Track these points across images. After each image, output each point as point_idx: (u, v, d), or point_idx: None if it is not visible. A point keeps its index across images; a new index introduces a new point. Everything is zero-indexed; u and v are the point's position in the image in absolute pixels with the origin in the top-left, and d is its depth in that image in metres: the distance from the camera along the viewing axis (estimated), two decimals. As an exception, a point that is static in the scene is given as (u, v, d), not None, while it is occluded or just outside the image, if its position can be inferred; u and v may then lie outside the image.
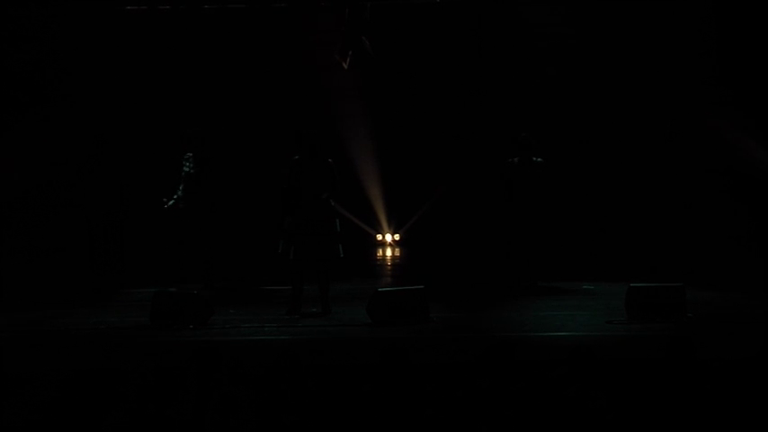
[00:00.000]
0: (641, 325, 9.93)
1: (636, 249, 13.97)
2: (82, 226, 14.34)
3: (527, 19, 14.71)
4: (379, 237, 16.05)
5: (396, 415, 6.69)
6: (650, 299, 10.18)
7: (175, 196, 12.72)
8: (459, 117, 15.09)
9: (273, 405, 6.75)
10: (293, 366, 6.93)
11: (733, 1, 14.11)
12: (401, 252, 15.93)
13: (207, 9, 14.69)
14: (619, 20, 14.39)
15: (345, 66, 13.53)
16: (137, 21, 14.56)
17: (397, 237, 16.07)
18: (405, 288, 10.71)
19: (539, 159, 12.37)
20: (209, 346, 7.10)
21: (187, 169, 12.78)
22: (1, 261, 13.44)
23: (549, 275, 12.69)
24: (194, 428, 6.61)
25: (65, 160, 14.02)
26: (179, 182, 12.78)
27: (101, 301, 12.26)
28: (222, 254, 13.12)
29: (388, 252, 15.99)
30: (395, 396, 6.80)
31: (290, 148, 11.19)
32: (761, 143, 13.91)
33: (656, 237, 14.18)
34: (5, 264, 13.38)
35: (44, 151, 13.74)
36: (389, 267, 15.18)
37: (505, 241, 12.67)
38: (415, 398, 6.81)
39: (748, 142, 13.91)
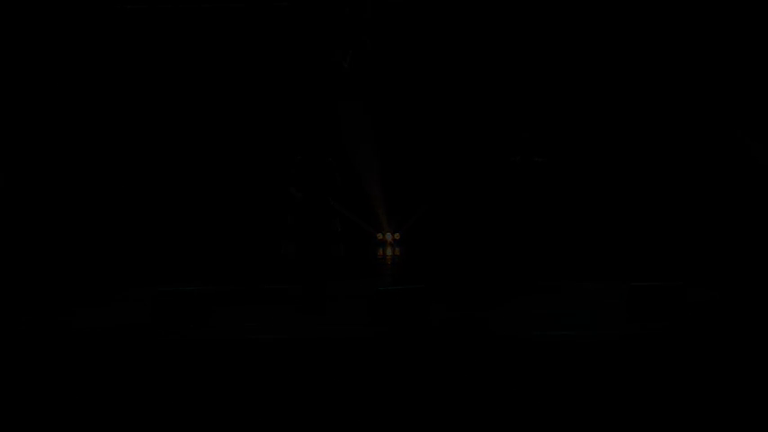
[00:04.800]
0: (641, 324, 9.94)
1: (635, 249, 13.97)
2: (82, 226, 14.35)
3: (527, 18, 14.71)
4: (380, 236, 16.02)
5: (396, 413, 6.69)
6: (650, 299, 10.19)
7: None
8: (462, 116, 15.08)
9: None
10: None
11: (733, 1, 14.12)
12: (402, 251, 15.90)
13: (207, 8, 14.69)
14: (620, 18, 14.39)
15: (345, 65, 13.53)
16: (137, 20, 14.56)
17: (397, 236, 16.04)
18: (405, 287, 10.71)
19: (540, 159, 12.37)
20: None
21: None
22: (1, 261, 13.44)
23: (549, 275, 12.68)
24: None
25: (65, 160, 14.03)
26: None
27: (101, 301, 12.26)
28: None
29: (389, 251, 15.97)
30: (395, 395, 6.80)
31: (292, 147, 11.19)
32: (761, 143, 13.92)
33: (657, 236, 14.19)
34: (6, 263, 13.38)
35: (45, 151, 13.76)
36: (390, 266, 15.16)
37: (506, 240, 12.67)
38: (415, 396, 6.81)
39: (750, 142, 13.91)
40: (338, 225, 11.02)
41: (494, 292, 12.45)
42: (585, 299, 11.91)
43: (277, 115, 14.84)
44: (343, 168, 11.35)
